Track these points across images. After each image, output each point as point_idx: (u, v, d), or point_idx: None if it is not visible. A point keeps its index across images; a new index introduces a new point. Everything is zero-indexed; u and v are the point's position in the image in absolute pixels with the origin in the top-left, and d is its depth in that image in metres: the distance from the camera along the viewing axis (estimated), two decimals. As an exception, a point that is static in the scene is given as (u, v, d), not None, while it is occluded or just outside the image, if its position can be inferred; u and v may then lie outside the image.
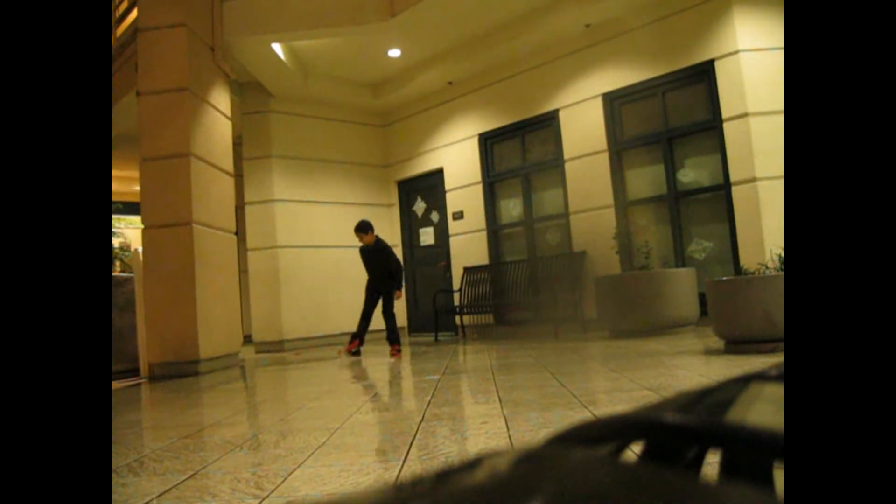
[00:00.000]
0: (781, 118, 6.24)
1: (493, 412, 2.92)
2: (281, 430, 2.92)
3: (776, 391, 0.43)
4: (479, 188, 9.01)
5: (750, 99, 6.37)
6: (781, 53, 6.36)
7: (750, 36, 6.46)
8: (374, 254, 6.82)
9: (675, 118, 7.16)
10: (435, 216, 9.80)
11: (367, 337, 7.11)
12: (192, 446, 2.68)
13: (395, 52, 8.39)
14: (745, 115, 6.40)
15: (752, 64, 6.42)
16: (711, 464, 0.38)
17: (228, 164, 7.28)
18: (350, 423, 3.04)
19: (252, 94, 9.04)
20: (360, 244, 6.90)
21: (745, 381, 0.45)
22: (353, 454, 2.38)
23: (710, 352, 4.58)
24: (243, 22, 7.30)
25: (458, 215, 9.28)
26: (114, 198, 10.34)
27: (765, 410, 0.42)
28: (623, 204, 7.50)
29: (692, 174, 7.09)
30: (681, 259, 7.03)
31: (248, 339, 9.38)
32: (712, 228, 6.91)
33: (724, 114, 6.58)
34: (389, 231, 10.18)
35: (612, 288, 6.66)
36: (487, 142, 8.99)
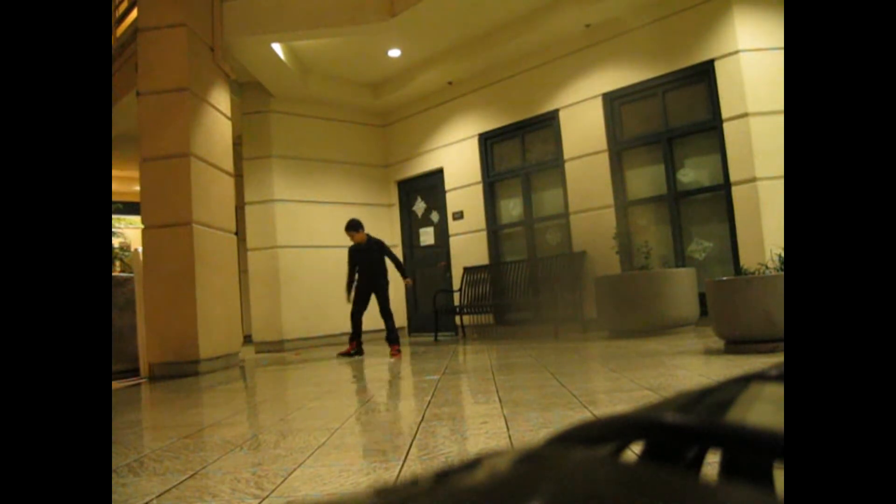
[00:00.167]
0: (781, 118, 6.24)
1: (493, 412, 2.92)
2: (281, 430, 2.92)
3: (776, 391, 0.43)
4: (479, 188, 9.01)
5: (750, 99, 6.37)
6: (781, 53, 6.36)
7: (750, 36, 6.46)
8: (367, 252, 6.80)
9: (675, 118, 7.16)
10: (435, 216, 9.80)
11: (367, 337, 7.11)
12: (192, 446, 2.68)
13: (395, 52, 8.39)
14: (745, 115, 6.40)
15: (752, 64, 6.42)
16: (711, 464, 0.38)
17: (228, 164, 7.28)
18: (350, 422, 3.04)
19: (252, 94, 9.04)
20: (351, 243, 6.88)
21: (745, 381, 0.45)
22: (353, 454, 2.38)
23: (710, 352, 4.58)
24: (243, 22, 7.30)
25: (458, 215, 9.28)
26: (114, 198, 10.34)
27: (765, 410, 0.42)
28: (623, 204, 7.50)
29: (692, 174, 7.09)
30: (681, 259, 7.03)
31: (248, 339, 9.38)
32: (712, 228, 6.91)
33: (724, 114, 6.58)
34: (389, 231, 10.18)
35: (612, 288, 6.66)
36: (487, 142, 8.99)
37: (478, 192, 9.03)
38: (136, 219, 9.06)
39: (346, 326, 7.13)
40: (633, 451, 0.37)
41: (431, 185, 9.79)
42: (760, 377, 0.45)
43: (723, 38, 6.57)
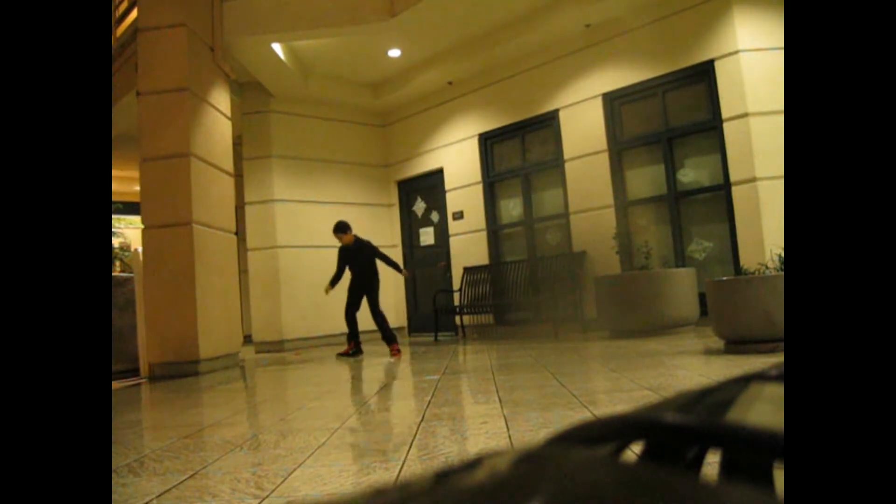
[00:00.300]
0: (781, 118, 6.24)
1: (493, 412, 2.92)
2: (281, 430, 2.92)
3: (776, 391, 0.43)
4: (479, 188, 9.01)
5: (750, 99, 6.37)
6: (781, 53, 6.36)
7: (750, 36, 6.46)
8: (356, 253, 6.87)
9: (675, 118, 7.16)
10: (435, 216, 9.80)
11: (365, 337, 7.11)
12: (192, 446, 2.68)
13: (395, 52, 8.39)
14: (745, 115, 6.40)
15: (752, 64, 6.42)
16: (711, 464, 0.38)
17: (228, 164, 7.28)
18: (350, 423, 3.04)
19: (252, 94, 9.04)
20: (340, 244, 6.95)
21: (745, 381, 0.45)
22: (354, 454, 2.38)
23: (710, 352, 4.58)
24: (243, 22, 7.30)
25: (458, 215, 9.28)
26: (114, 198, 10.34)
27: (765, 410, 0.42)
28: (623, 204, 7.50)
29: (692, 174, 7.09)
30: (681, 259, 7.03)
31: (248, 339, 9.37)
32: (712, 228, 6.91)
33: (724, 114, 6.58)
34: (389, 231, 10.19)
35: (612, 288, 6.66)
36: (487, 142, 8.99)
37: (478, 192, 9.03)
38: (136, 219, 9.06)
39: (346, 327, 7.14)
40: (633, 451, 0.37)
41: (431, 185, 9.79)
42: (760, 377, 0.45)
43: (723, 38, 6.57)
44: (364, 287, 6.83)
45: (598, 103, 7.65)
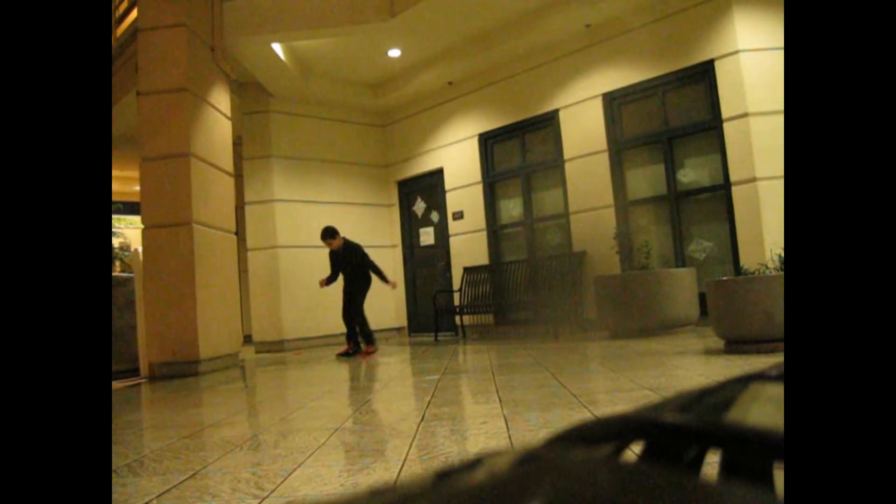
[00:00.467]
0: (781, 118, 6.24)
1: (493, 412, 2.92)
2: (281, 430, 2.92)
3: (776, 391, 0.43)
4: (479, 188, 9.01)
5: (750, 99, 6.37)
6: (781, 53, 6.36)
7: (750, 36, 6.46)
8: (344, 256, 6.97)
9: (675, 118, 7.16)
10: (435, 216, 9.80)
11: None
12: (192, 446, 2.68)
13: (395, 52, 8.39)
14: (745, 115, 6.40)
15: (752, 64, 6.42)
16: (711, 464, 0.38)
17: (228, 164, 7.28)
18: (350, 423, 3.04)
19: (252, 94, 9.03)
20: (330, 249, 7.05)
21: (745, 381, 0.45)
22: (353, 454, 2.38)
23: (710, 352, 4.58)
24: (243, 22, 7.30)
25: (458, 215, 9.27)
26: (114, 198, 10.34)
27: (765, 410, 0.42)
28: (623, 204, 7.50)
29: (692, 174, 7.09)
30: (681, 259, 7.03)
31: (248, 339, 9.37)
32: (712, 228, 6.91)
33: (724, 114, 6.58)
34: (389, 231, 10.18)
35: (612, 288, 6.66)
36: (487, 142, 8.99)
37: (478, 192, 9.03)
38: (136, 219, 9.06)
39: (345, 327, 7.17)
40: (633, 451, 0.37)
41: (431, 185, 9.79)
42: (760, 377, 0.45)
43: (723, 38, 6.57)
44: (352, 288, 6.95)
45: (598, 103, 7.65)
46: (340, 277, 7.09)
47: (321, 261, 7.33)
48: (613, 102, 7.59)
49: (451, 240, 9.38)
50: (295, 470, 2.13)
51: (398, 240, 10.16)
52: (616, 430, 0.37)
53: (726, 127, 6.57)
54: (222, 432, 2.99)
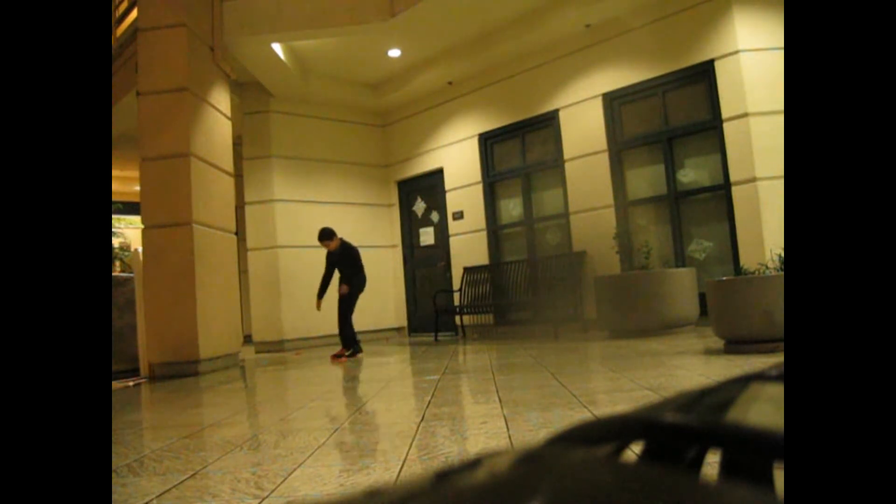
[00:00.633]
0: (781, 118, 6.24)
1: (493, 412, 2.92)
2: (281, 430, 2.92)
3: (776, 391, 0.43)
4: (479, 188, 9.01)
5: (750, 99, 6.37)
6: (781, 53, 6.36)
7: (750, 36, 6.46)
8: (342, 257, 6.97)
9: (675, 118, 7.16)
10: (435, 216, 9.80)
11: (365, 337, 7.14)
12: (192, 446, 2.68)
13: (395, 52, 8.39)
14: (745, 115, 6.40)
15: (752, 64, 6.42)
16: (711, 464, 0.38)
17: (228, 164, 7.28)
18: (350, 422, 3.04)
19: (252, 94, 9.03)
20: (327, 251, 7.06)
21: (745, 381, 0.45)
22: (353, 454, 2.38)
23: (710, 352, 4.58)
24: (243, 22, 7.30)
25: (458, 215, 9.27)
26: (114, 198, 10.34)
27: (765, 410, 0.42)
28: (623, 204, 7.50)
29: (692, 174, 7.09)
30: (681, 259, 7.03)
31: (248, 339, 9.37)
32: (712, 228, 6.91)
33: (724, 114, 6.58)
34: (389, 231, 10.18)
35: (612, 288, 6.66)
36: (487, 142, 8.99)
37: (478, 192, 9.03)
38: (136, 219, 9.06)
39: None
40: (633, 451, 0.37)
41: (431, 185, 9.79)
42: (760, 377, 0.45)
43: (723, 38, 6.57)
44: (349, 288, 6.94)
45: (598, 103, 7.65)
46: (338, 278, 7.08)
47: (321, 261, 7.33)
48: (613, 102, 7.59)
49: (451, 240, 9.39)
50: (295, 470, 2.13)
51: (398, 240, 10.16)
52: (616, 430, 0.37)
53: (726, 127, 6.57)
54: (222, 432, 2.99)
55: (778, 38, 6.43)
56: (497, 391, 3.56)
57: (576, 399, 3.05)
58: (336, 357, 6.78)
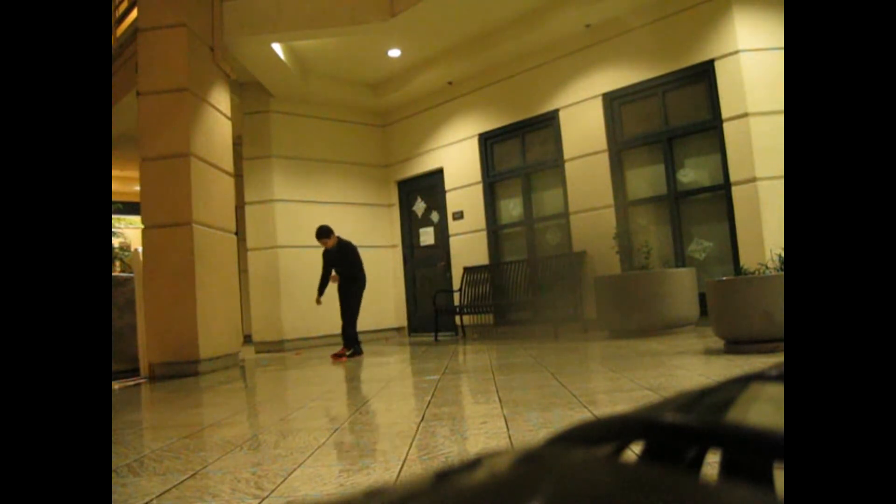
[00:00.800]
0: (781, 118, 6.24)
1: (493, 412, 2.92)
2: (281, 430, 2.92)
3: (776, 391, 0.43)
4: (479, 188, 9.01)
5: (750, 99, 6.37)
6: (781, 53, 6.36)
7: (750, 36, 6.46)
8: (337, 255, 6.97)
9: (675, 118, 7.16)
10: (435, 216, 9.80)
11: (365, 337, 7.13)
12: (192, 446, 2.68)
13: (395, 52, 8.39)
14: (745, 115, 6.40)
15: (752, 64, 6.42)
16: (711, 464, 0.38)
17: (228, 164, 7.28)
18: (350, 423, 3.04)
19: (252, 94, 9.04)
20: (324, 248, 7.07)
21: (745, 381, 0.45)
22: (353, 454, 2.38)
23: (710, 352, 4.58)
24: (243, 22, 7.30)
25: (458, 215, 9.28)
26: (114, 198, 10.34)
27: (765, 410, 0.42)
28: (623, 204, 7.50)
29: (692, 174, 7.09)
30: (681, 259, 7.03)
31: (248, 339, 9.37)
32: (712, 228, 6.91)
33: (724, 114, 6.58)
34: (389, 231, 10.18)
35: (612, 288, 6.66)
36: (487, 142, 8.99)
37: (478, 192, 9.03)
38: (136, 219, 9.06)
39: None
40: (633, 451, 0.37)
41: (431, 185, 9.79)
42: (760, 377, 0.45)
43: (723, 38, 6.57)
44: (344, 288, 6.96)
45: (598, 103, 7.65)
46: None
47: (321, 261, 7.34)
48: (613, 102, 7.59)
49: (451, 240, 9.38)
50: (295, 470, 2.13)
51: (398, 240, 10.16)
52: (616, 430, 0.37)
53: (726, 127, 6.57)
54: (222, 432, 2.99)
55: (778, 38, 6.43)
56: (497, 391, 3.56)
57: (576, 399, 3.05)
58: (337, 356, 6.78)
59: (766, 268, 4.60)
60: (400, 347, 7.95)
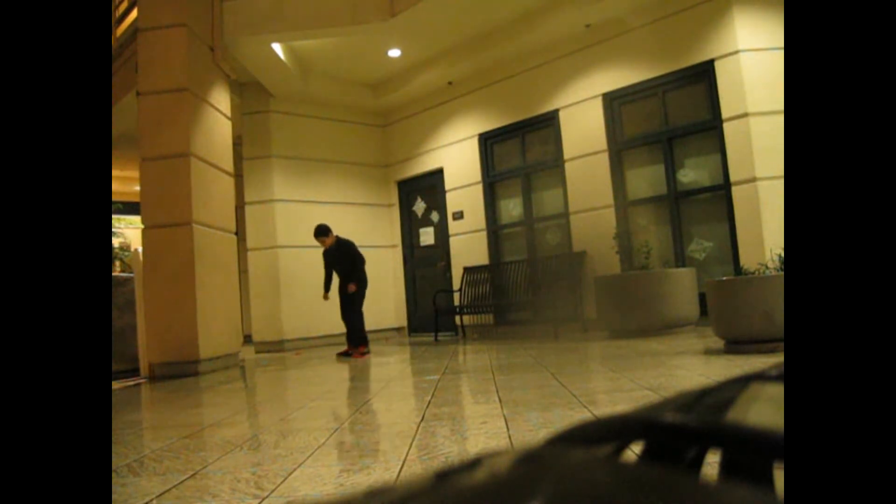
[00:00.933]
0: (781, 118, 6.24)
1: (493, 412, 2.92)
2: (281, 430, 2.92)
3: (776, 391, 0.43)
4: (479, 188, 9.01)
5: (750, 99, 6.37)
6: (781, 53, 6.36)
7: (750, 36, 6.46)
8: (336, 254, 6.96)
9: (675, 118, 7.16)
10: (435, 216, 9.80)
11: (367, 337, 7.13)
12: (192, 446, 2.68)
13: (395, 52, 8.39)
14: (745, 115, 6.39)
15: (752, 64, 6.42)
16: (711, 464, 0.38)
17: (228, 164, 7.28)
18: (350, 422, 3.04)
19: (252, 94, 9.04)
20: (323, 248, 7.06)
21: (745, 381, 0.45)
22: (353, 454, 2.38)
23: (710, 352, 4.58)
24: (243, 22, 7.29)
25: (458, 215, 9.27)
26: (114, 198, 10.34)
27: (765, 410, 0.42)
28: (623, 204, 7.50)
29: (692, 174, 7.09)
30: (681, 259, 7.03)
31: (248, 339, 9.37)
32: (712, 228, 6.91)
33: (724, 114, 6.58)
34: (389, 231, 10.18)
35: (612, 288, 6.66)
36: (487, 142, 8.99)
37: (478, 192, 9.03)
38: (136, 219, 9.06)
39: (344, 327, 7.17)
40: (633, 451, 0.37)
41: (431, 185, 9.79)
42: (760, 377, 0.45)
43: (723, 38, 6.57)
44: (343, 287, 6.95)
45: (598, 103, 7.65)
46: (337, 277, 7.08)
47: (321, 261, 7.34)
48: (613, 102, 7.59)
49: (451, 240, 9.38)
50: (295, 470, 2.13)
51: (398, 240, 10.16)
52: (616, 430, 0.37)
53: (726, 127, 6.57)
54: (222, 432, 2.99)
55: (778, 38, 6.43)
56: (497, 391, 3.56)
57: (576, 399, 3.05)
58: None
59: (766, 268, 4.60)
60: (400, 347, 7.95)
